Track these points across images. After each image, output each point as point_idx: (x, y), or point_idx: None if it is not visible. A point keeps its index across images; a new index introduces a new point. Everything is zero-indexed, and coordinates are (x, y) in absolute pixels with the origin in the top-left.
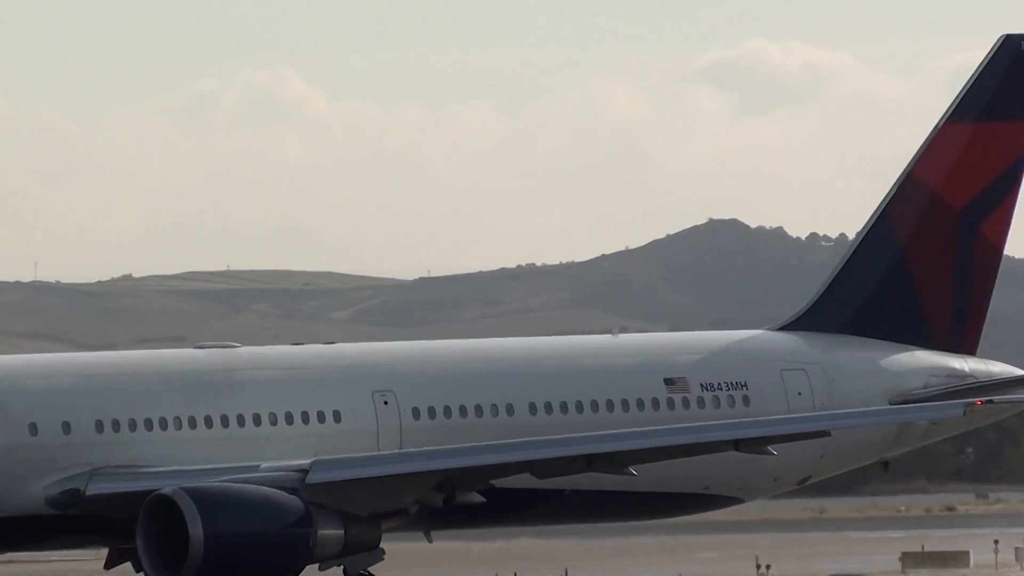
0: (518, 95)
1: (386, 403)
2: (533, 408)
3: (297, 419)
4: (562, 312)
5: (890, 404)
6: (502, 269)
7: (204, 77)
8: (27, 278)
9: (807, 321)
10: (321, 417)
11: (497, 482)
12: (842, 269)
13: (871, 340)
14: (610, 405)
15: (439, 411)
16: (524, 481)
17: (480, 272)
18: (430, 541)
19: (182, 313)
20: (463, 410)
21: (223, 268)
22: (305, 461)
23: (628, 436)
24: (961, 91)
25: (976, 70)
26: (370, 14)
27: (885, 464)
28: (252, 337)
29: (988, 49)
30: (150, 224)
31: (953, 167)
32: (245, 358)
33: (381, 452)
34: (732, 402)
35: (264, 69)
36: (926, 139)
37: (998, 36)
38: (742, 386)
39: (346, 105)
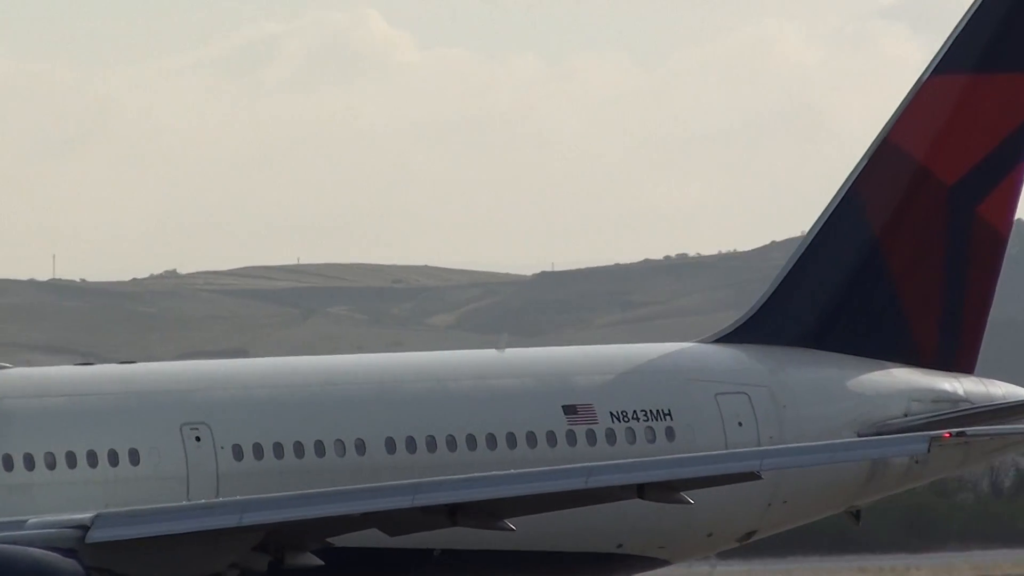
0: (658, 41)
1: (199, 439)
2: (391, 445)
3: (81, 461)
4: (722, 314)
5: (859, 436)
6: (645, 261)
7: (260, 21)
8: (43, 276)
9: (753, 331)
10: (113, 458)
11: (340, 540)
12: (798, 264)
13: (836, 355)
14: (492, 441)
15: (268, 449)
16: (380, 539)
17: (617, 265)
18: None
19: (240, 319)
20: (299, 448)
21: (291, 262)
22: (86, 515)
23: (497, 481)
24: (952, 33)
25: (971, 6)
26: None
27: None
28: (328, 348)
29: None
30: (198, 207)
31: (942, 132)
32: (15, 382)
33: (186, 503)
34: (651, 435)
35: (338, 10)
36: (907, 95)
37: None
38: (665, 415)
39: (441, 54)
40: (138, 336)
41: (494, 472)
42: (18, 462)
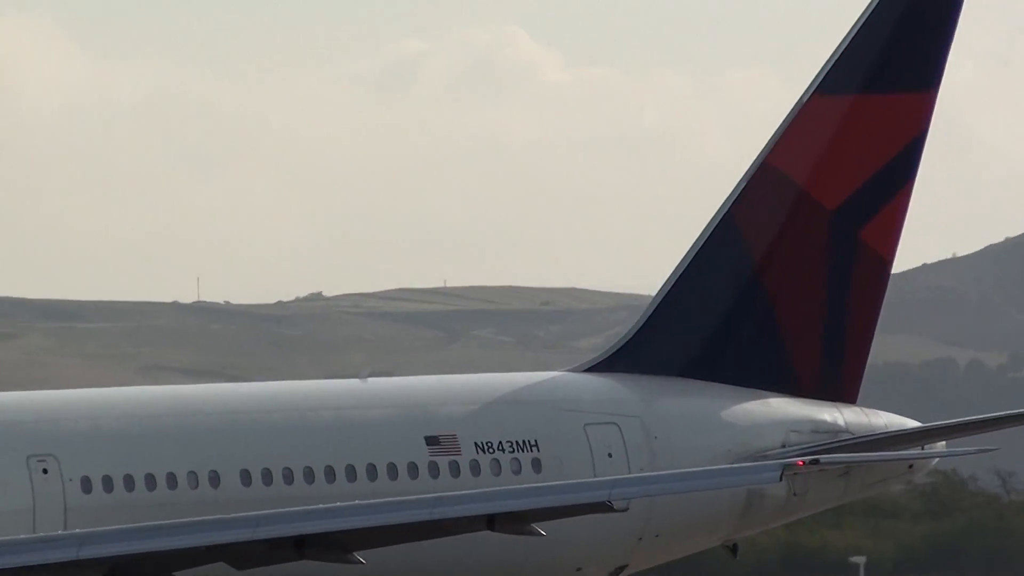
0: (805, 59)
1: (45, 471)
2: (246, 477)
3: None
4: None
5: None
6: None
7: (406, 39)
8: (187, 298)
9: (625, 360)
10: None
11: (191, 574)
12: (672, 290)
13: (712, 385)
14: (351, 473)
15: (118, 482)
16: (267, 572)
17: None
18: None
19: (386, 341)
20: (150, 480)
21: (437, 284)
22: None
23: (343, 512)
24: (835, 53)
25: (853, 26)
26: None
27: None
28: (473, 371)
29: None
30: (343, 228)
31: (824, 154)
32: None
33: (23, 536)
34: (517, 467)
35: (484, 28)
36: (787, 116)
37: None
38: (531, 446)
39: (587, 72)
40: (282, 359)
41: (339, 503)
42: None
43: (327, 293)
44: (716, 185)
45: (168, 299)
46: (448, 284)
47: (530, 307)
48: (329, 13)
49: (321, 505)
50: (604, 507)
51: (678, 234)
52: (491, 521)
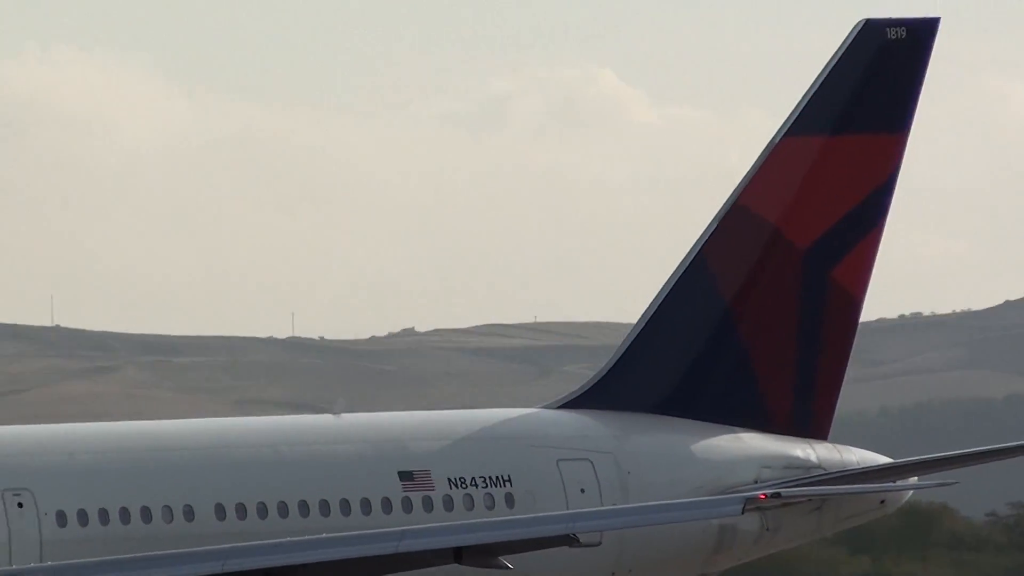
0: None
1: (21, 505)
2: (221, 511)
3: None
4: (957, 373)
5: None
6: (880, 320)
7: (495, 78)
8: (283, 334)
9: (599, 396)
10: None
11: None
12: (645, 328)
13: (685, 421)
14: (324, 507)
15: (93, 516)
16: None
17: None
18: None
19: (478, 376)
20: (125, 514)
21: (528, 320)
22: None
23: (310, 545)
24: (807, 93)
25: (826, 66)
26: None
27: None
28: None
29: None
30: (435, 264)
31: (796, 194)
32: None
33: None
34: (491, 502)
35: (571, 67)
36: (759, 157)
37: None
38: (504, 481)
39: (672, 111)
40: (375, 393)
41: (306, 536)
42: None
43: (419, 328)
44: None
45: (264, 334)
46: (538, 319)
47: (619, 342)
48: (421, 53)
49: (288, 539)
50: (569, 540)
51: None
52: (458, 554)
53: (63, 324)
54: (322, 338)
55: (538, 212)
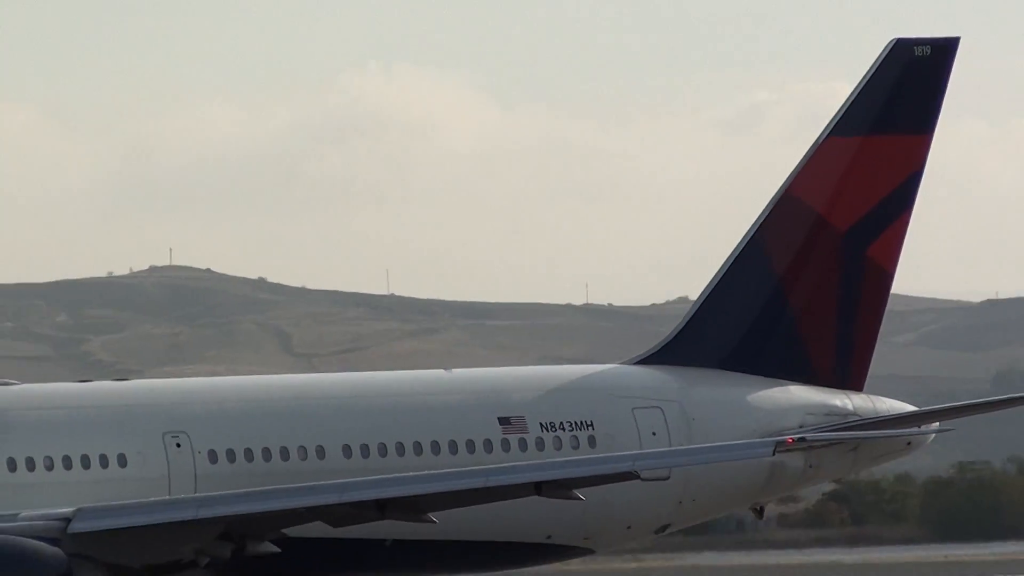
0: None
1: (179, 445)
2: (348, 451)
3: (76, 464)
4: None
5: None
6: None
7: (756, 89)
8: (578, 301)
9: (668, 355)
10: (104, 461)
11: (301, 530)
12: (709, 297)
13: (740, 375)
14: (436, 447)
15: (239, 454)
16: (345, 530)
17: None
18: None
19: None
20: (267, 453)
21: None
22: (69, 509)
23: (415, 480)
24: (846, 101)
25: (863, 78)
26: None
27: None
28: None
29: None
30: (703, 246)
31: (837, 185)
32: (19, 396)
33: (155, 499)
34: (576, 443)
35: (816, 81)
36: (806, 153)
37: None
38: (587, 426)
39: None
40: None
41: (412, 473)
42: (20, 464)
43: (690, 296)
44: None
45: (563, 301)
46: None
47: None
48: (690, 64)
49: (397, 474)
50: (632, 476)
51: (979, 250)
52: (539, 487)
53: (397, 293)
54: (611, 304)
55: None
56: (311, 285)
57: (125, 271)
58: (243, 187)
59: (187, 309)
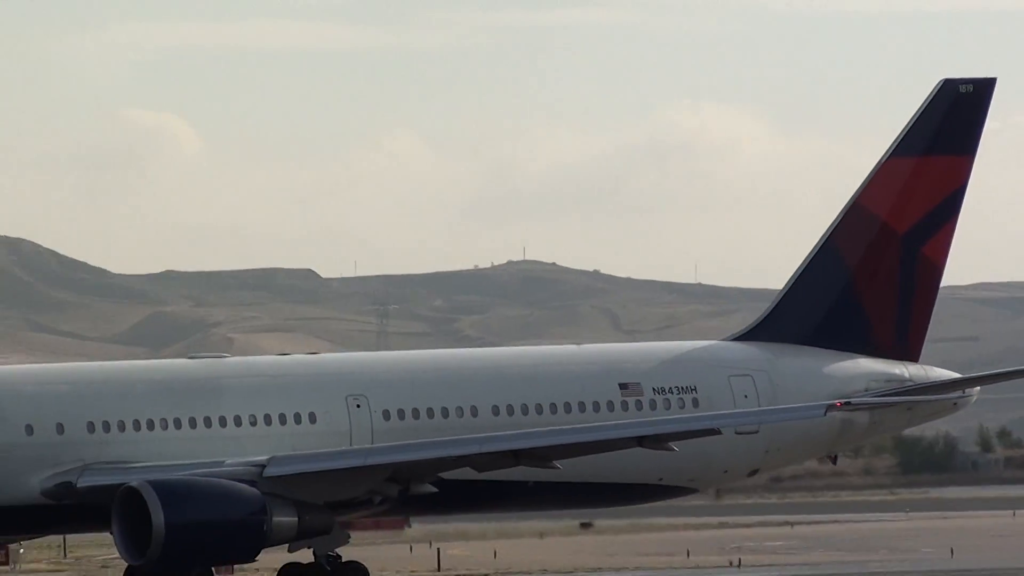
0: None
1: (359, 406)
2: (496, 410)
3: (275, 420)
4: None
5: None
6: None
7: None
8: None
9: (760, 332)
10: (298, 419)
11: (459, 474)
12: (793, 286)
13: (817, 349)
14: (567, 407)
15: (408, 413)
16: (501, 474)
17: None
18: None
19: (974, 317)
20: (430, 412)
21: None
22: (264, 457)
23: (541, 435)
24: (904, 128)
25: (918, 110)
26: None
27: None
28: None
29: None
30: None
31: (897, 196)
32: (231, 366)
33: (333, 449)
34: (682, 404)
35: None
36: (872, 171)
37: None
38: (692, 390)
39: None
40: None
41: (540, 428)
42: (229, 421)
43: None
44: None
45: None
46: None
47: None
48: None
49: (529, 430)
50: (714, 432)
51: None
52: (640, 441)
53: (703, 282)
54: None
55: None
56: (635, 276)
57: (488, 264)
58: (582, 196)
59: (537, 295)
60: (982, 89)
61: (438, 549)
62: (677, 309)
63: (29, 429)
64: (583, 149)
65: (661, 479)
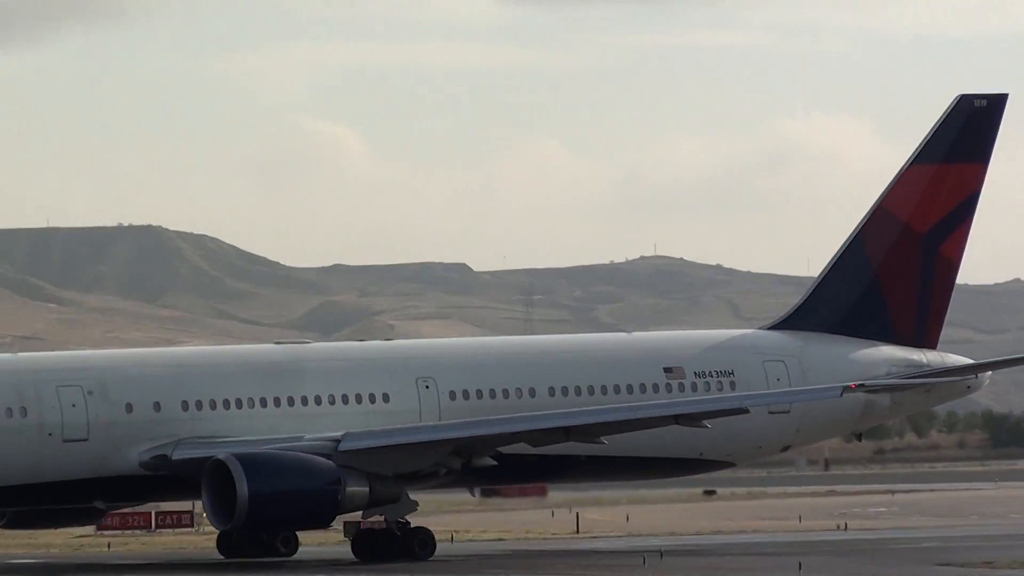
0: None
1: (427, 387)
2: (552, 391)
3: (352, 400)
4: None
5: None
6: None
7: None
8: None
9: (793, 322)
10: (372, 399)
11: (515, 449)
12: (822, 280)
13: (844, 337)
14: (616, 389)
15: (472, 394)
16: (558, 448)
17: None
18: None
19: None
20: (492, 393)
21: None
22: (338, 433)
23: (587, 413)
24: (924, 139)
25: (937, 122)
26: None
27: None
28: None
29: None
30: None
31: (918, 200)
32: (314, 352)
33: (403, 426)
34: (720, 387)
35: None
36: (894, 177)
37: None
38: (729, 374)
39: None
40: None
41: (587, 408)
42: (310, 400)
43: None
44: None
45: None
46: None
47: None
48: None
49: (576, 408)
50: (743, 411)
51: None
52: (677, 419)
53: (813, 275)
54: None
55: None
56: (754, 269)
57: (622, 259)
58: (706, 198)
59: (666, 287)
60: (995, 104)
61: (576, 513)
62: (790, 299)
63: (129, 407)
64: (708, 156)
65: (701, 454)
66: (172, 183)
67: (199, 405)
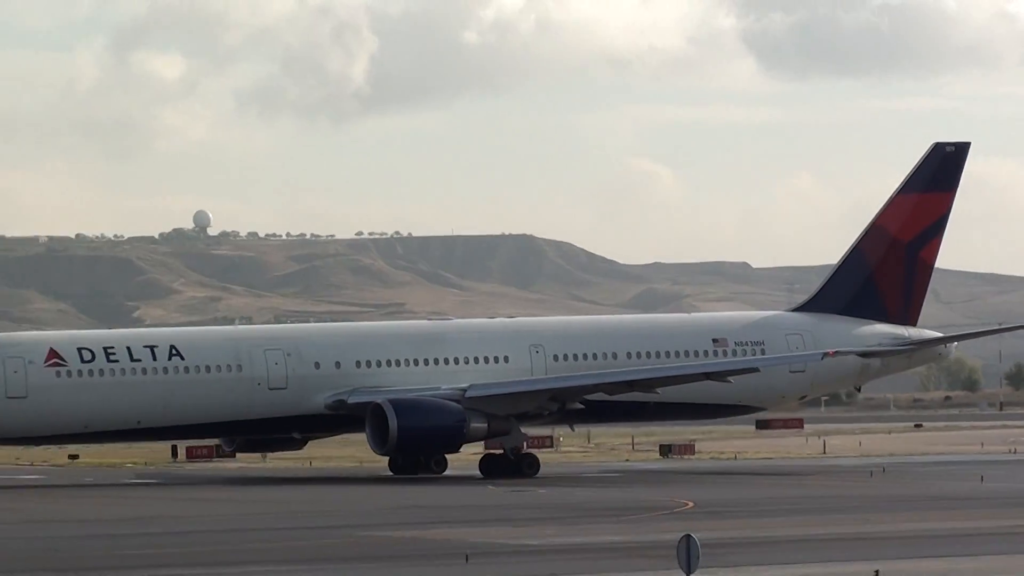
0: None
1: (537, 352)
2: (629, 355)
3: (482, 361)
4: None
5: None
6: None
7: None
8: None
9: (809, 306)
10: (496, 360)
11: (598, 397)
12: (832, 276)
13: (849, 318)
14: (676, 354)
15: (571, 357)
16: (632, 396)
17: None
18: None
19: None
20: (585, 356)
21: None
22: (465, 384)
23: (644, 371)
24: (908, 175)
25: (917, 162)
26: None
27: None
28: None
29: (925, 150)
30: None
31: (903, 219)
32: (455, 325)
33: (515, 379)
34: (754, 352)
35: None
36: (885, 202)
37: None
38: (760, 344)
39: None
40: None
41: (647, 367)
42: (451, 360)
43: None
44: None
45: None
46: None
47: None
48: None
49: (639, 367)
50: (754, 370)
51: None
52: (708, 375)
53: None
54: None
55: None
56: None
57: None
58: None
59: None
60: (961, 149)
61: (823, 440)
62: (974, 289)
63: (316, 365)
64: None
65: (740, 401)
66: (542, 202)
67: (368, 364)
